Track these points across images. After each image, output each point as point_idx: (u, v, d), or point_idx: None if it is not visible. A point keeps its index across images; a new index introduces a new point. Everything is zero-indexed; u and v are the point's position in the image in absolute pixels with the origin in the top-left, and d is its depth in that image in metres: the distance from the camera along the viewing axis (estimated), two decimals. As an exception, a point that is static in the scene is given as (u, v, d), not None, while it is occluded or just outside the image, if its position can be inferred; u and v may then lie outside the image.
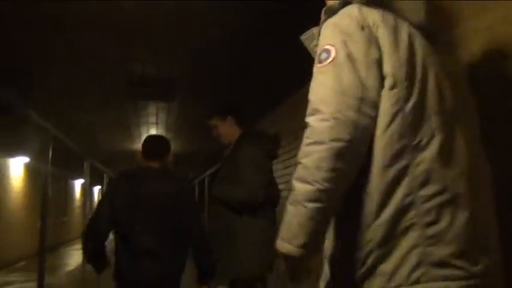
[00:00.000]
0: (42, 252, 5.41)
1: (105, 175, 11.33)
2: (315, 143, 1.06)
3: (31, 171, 11.66)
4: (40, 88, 4.83)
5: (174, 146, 8.89)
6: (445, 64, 1.17)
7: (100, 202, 2.68)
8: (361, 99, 1.06)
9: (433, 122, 1.08)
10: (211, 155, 8.23)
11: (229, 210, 2.60)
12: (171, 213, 2.59)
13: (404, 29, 1.14)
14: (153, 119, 6.29)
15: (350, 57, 1.09)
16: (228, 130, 2.84)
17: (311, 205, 1.05)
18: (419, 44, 1.14)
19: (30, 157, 10.67)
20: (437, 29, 1.21)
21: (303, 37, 1.33)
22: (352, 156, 1.05)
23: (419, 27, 1.16)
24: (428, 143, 1.06)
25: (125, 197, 2.60)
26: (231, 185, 2.60)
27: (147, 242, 2.50)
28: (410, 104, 1.07)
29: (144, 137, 7.39)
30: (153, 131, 7.04)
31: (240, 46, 3.77)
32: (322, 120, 1.06)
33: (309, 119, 1.10)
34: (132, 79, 4.45)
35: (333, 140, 1.04)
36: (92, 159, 9.28)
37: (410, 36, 1.13)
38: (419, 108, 1.08)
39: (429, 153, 1.05)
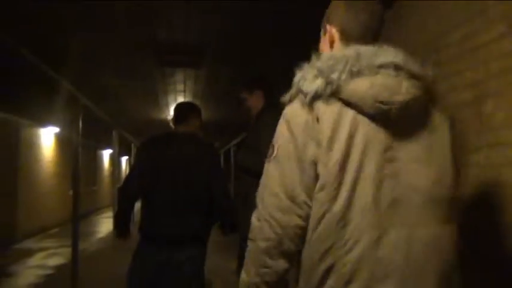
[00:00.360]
0: (76, 220, 5.55)
1: (132, 145, 11.49)
2: (251, 240, 1.21)
3: (61, 141, 11.89)
4: (69, 57, 4.81)
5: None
6: (407, 146, 1.16)
7: (132, 166, 2.89)
8: (292, 201, 1.14)
9: (365, 219, 1.10)
10: (238, 124, 8.17)
11: (252, 178, 2.65)
12: (195, 175, 2.66)
13: (348, 119, 1.14)
14: (180, 87, 6.23)
15: (287, 157, 1.17)
16: (255, 103, 2.98)
17: None
18: (364, 134, 1.13)
19: (60, 127, 10.84)
20: (400, 112, 1.14)
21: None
22: (281, 253, 1.16)
23: (368, 115, 1.14)
24: (355, 243, 1.09)
25: (150, 159, 2.73)
26: (253, 154, 2.70)
27: (169, 201, 2.60)
28: (337, 205, 1.10)
29: (171, 105, 7.40)
30: (180, 99, 7.00)
31: (271, 14, 3.63)
32: (256, 218, 1.20)
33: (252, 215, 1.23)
34: (159, 46, 4.38)
35: (262, 239, 1.17)
36: (120, 128, 9.40)
37: (352, 128, 1.13)
38: (348, 208, 1.10)
39: (356, 254, 1.09)
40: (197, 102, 7.39)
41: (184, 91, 6.51)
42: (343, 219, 1.10)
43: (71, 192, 12.01)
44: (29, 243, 9.08)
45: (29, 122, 9.51)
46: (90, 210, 15.01)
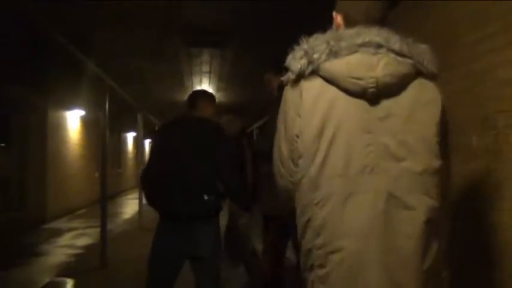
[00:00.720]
0: (104, 201, 5.63)
1: (156, 127, 11.54)
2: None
3: (86, 124, 12.05)
4: (95, 38, 4.81)
5: (226, 97, 8.81)
6: (387, 120, 1.25)
7: (150, 150, 3.06)
8: (285, 169, 1.40)
9: (334, 183, 1.26)
10: (262, 107, 8.08)
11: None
12: (203, 156, 2.76)
13: (328, 95, 1.28)
14: (206, 68, 6.17)
15: (281, 132, 1.41)
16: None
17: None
18: (341, 108, 1.27)
19: (85, 110, 10.96)
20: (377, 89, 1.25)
21: None
22: (286, 197, 1.44)
23: (346, 91, 1.26)
24: (325, 203, 1.26)
25: (163, 142, 2.93)
26: (267, 137, 2.76)
27: (179, 182, 2.74)
28: (311, 171, 1.28)
29: (196, 87, 7.37)
30: (205, 81, 6.95)
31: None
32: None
33: None
34: (186, 26, 4.32)
35: (278, 187, 1.49)
36: (144, 111, 9.45)
37: (330, 103, 1.28)
38: (320, 174, 1.27)
39: (324, 212, 1.26)
40: (222, 84, 7.37)
41: (210, 72, 6.45)
42: (316, 183, 1.28)
43: (97, 174, 12.18)
44: (58, 224, 9.28)
45: (55, 105, 9.64)
46: (116, 192, 15.25)
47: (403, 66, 1.25)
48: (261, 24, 4.40)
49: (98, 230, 5.82)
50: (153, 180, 2.89)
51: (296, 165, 1.33)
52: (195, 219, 2.73)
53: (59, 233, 8.24)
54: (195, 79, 6.87)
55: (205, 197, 2.73)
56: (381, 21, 1.34)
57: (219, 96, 8.37)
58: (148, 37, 4.83)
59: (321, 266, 1.27)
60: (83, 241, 7.40)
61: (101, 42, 4.94)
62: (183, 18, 4.19)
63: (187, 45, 4.87)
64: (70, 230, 8.60)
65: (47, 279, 5.01)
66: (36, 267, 5.79)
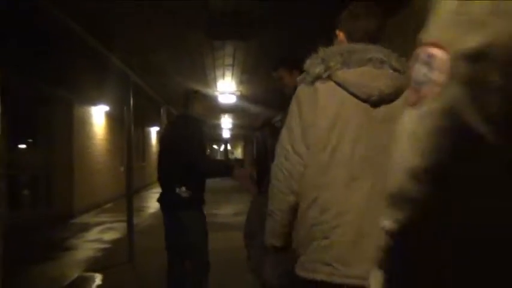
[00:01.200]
0: (130, 196, 5.66)
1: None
2: (271, 179, 1.69)
3: (111, 119, 12.16)
4: (118, 32, 4.79)
5: (249, 90, 8.72)
6: (383, 122, 1.54)
7: None
8: (295, 153, 1.59)
9: (340, 169, 1.53)
10: (285, 99, 7.94)
11: None
12: (178, 151, 3.14)
13: (338, 96, 1.56)
14: (229, 61, 6.11)
15: (295, 122, 1.62)
16: (293, 83, 2.92)
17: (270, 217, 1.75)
18: (349, 107, 1.55)
19: (109, 106, 11.06)
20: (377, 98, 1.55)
21: None
22: (290, 190, 1.61)
23: (353, 95, 1.55)
24: (332, 184, 1.53)
25: (160, 141, 3.71)
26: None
27: (165, 174, 3.31)
28: (324, 156, 1.54)
29: (219, 80, 7.32)
30: (228, 74, 6.90)
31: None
32: (274, 165, 1.68)
33: None
34: (209, 17, 4.26)
35: (276, 180, 1.66)
36: (167, 105, 9.47)
37: (340, 102, 1.56)
38: (331, 159, 1.54)
39: (331, 191, 1.54)
40: (245, 77, 7.31)
41: (233, 65, 6.39)
42: (326, 167, 1.54)
43: (122, 169, 12.30)
44: (85, 218, 9.43)
45: (81, 101, 9.75)
46: (140, 186, 15.40)
47: (398, 80, 1.55)
48: (287, 15, 4.31)
49: (125, 224, 5.87)
50: (157, 178, 3.45)
51: (308, 148, 1.57)
52: (174, 209, 3.23)
53: (86, 227, 8.37)
54: (218, 72, 6.82)
55: (177, 190, 3.15)
56: (378, 38, 1.64)
57: (241, 89, 8.30)
58: (171, 30, 4.79)
59: (325, 237, 1.53)
60: (110, 235, 7.49)
61: (125, 36, 4.93)
62: (208, 9, 4.13)
63: (211, 38, 4.81)
64: (97, 224, 8.72)
65: (76, 274, 5.07)
66: (65, 262, 5.88)
